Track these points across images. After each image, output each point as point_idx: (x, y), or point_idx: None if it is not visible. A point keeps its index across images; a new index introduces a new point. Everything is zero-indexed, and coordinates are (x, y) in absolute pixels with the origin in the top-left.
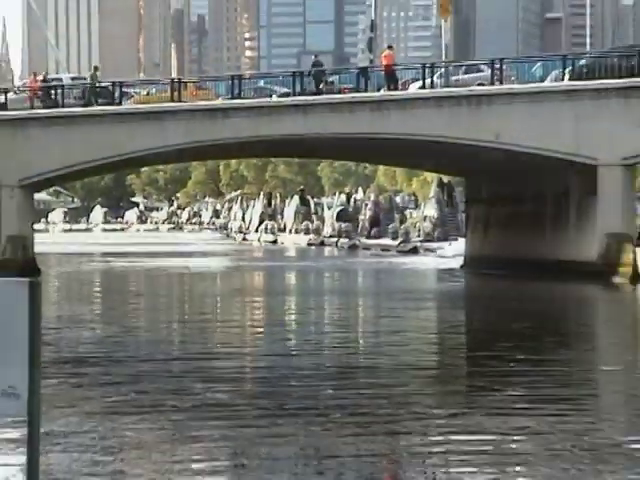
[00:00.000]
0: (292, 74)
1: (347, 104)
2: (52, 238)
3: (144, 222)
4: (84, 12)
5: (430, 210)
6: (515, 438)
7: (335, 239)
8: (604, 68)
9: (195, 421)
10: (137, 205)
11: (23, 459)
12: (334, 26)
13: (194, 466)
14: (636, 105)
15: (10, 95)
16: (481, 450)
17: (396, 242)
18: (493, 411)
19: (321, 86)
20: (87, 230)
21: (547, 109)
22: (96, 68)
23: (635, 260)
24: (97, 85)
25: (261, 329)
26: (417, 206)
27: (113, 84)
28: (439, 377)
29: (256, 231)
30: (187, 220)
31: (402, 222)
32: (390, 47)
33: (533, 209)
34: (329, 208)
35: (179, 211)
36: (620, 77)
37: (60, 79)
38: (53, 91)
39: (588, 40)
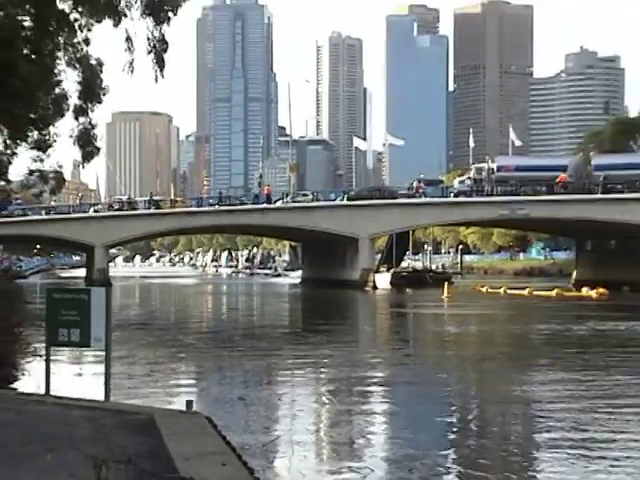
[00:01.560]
0: (222, 197)
1: (249, 210)
2: (116, 270)
3: (158, 262)
4: (133, 169)
5: (286, 257)
6: (324, 359)
7: (244, 270)
8: (361, 196)
9: (181, 350)
10: (155, 255)
11: (102, 369)
12: (243, 175)
13: (183, 370)
14: (361, 212)
15: (98, 207)
16: (308, 368)
17: (271, 271)
18: (314, 346)
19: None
20: (133, 266)
21: (338, 213)
22: (152, 194)
23: (374, 279)
24: (154, 200)
25: (210, 310)
26: (280, 255)
27: (152, 200)
28: (289, 333)
29: (208, 267)
30: (177, 262)
31: (273, 262)
32: (268, 185)
33: (331, 257)
34: (241, 256)
35: (174, 257)
36: (369, 199)
37: (121, 198)
38: (118, 204)
39: (354, 183)
